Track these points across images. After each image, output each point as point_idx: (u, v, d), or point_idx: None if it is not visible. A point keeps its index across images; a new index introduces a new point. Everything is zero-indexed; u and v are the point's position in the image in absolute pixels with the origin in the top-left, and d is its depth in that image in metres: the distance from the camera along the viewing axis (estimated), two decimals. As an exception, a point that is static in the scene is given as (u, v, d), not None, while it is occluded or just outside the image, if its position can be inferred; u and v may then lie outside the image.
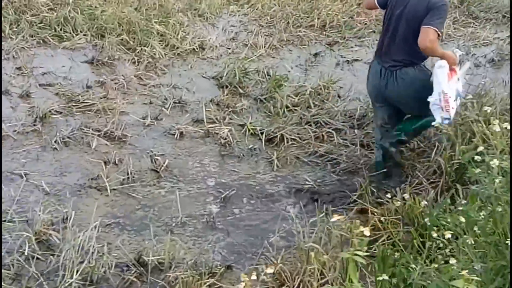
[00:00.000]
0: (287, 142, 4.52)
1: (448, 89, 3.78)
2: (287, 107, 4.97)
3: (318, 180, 4.13)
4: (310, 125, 4.77)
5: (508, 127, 2.27)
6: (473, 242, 2.16)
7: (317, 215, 3.43)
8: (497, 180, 2.28)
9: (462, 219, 2.26)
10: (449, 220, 2.62)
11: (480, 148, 2.30)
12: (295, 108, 4.99)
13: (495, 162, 2.18)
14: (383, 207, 3.62)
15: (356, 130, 4.72)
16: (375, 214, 3.59)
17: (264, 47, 6.09)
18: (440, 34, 3.73)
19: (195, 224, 3.61)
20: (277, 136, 4.57)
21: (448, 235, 2.23)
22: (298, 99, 5.10)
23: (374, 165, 4.29)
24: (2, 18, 5.80)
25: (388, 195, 3.53)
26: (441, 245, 2.61)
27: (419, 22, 3.71)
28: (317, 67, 5.89)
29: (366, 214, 3.69)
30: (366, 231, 1.99)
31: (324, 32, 6.61)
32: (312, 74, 5.72)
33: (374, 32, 6.63)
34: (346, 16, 6.91)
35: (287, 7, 6.94)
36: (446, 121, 3.87)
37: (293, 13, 6.83)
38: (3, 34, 5.61)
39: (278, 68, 5.71)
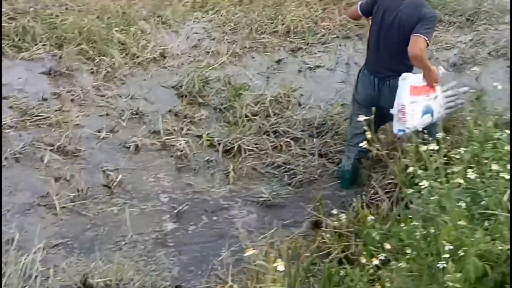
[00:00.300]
0: (245, 153, 4.48)
1: (407, 101, 3.78)
2: (246, 116, 4.93)
3: (274, 193, 4.09)
4: (269, 135, 4.73)
5: (436, 148, 2.25)
6: (405, 265, 2.14)
7: (267, 231, 3.40)
8: (432, 198, 2.26)
9: (388, 246, 2.24)
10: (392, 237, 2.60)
11: (410, 169, 2.28)
12: (255, 117, 4.94)
13: (424, 183, 2.16)
14: (337, 219, 3.59)
15: (314, 139, 4.69)
16: (328, 227, 3.57)
17: (227, 54, 6.04)
18: (429, 44, 3.76)
19: (146, 242, 3.55)
20: (234, 147, 4.52)
21: (376, 261, 2.21)
22: (258, 108, 5.06)
23: (337, 173, 4.27)
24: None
25: (335, 211, 3.48)
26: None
27: (411, 31, 3.74)
28: (279, 74, 5.85)
29: (319, 227, 3.67)
30: (280, 266, 1.95)
31: (288, 38, 6.57)
32: (274, 82, 5.67)
33: (338, 37, 6.61)
34: (311, 21, 6.86)
35: (251, 13, 6.89)
36: (401, 133, 3.88)
37: (257, 19, 6.78)
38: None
39: (239, 76, 5.67)
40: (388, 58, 3.93)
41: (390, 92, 3.91)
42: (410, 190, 2.29)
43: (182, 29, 6.63)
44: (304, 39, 6.53)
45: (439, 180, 2.32)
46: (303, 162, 4.40)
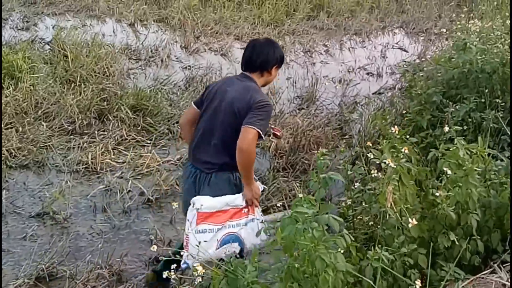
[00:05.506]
0: None
1: (191, 231, 3.24)
2: None
3: None
4: None
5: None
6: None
7: None
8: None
9: None
10: None
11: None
12: None
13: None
14: None
15: None
16: None
17: None
18: (263, 137, 3.30)
19: None
20: None
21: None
22: None
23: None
24: None
25: None
26: None
27: (238, 117, 3.31)
28: None
29: None
30: None
31: None
32: None
33: (11, 167, 5.28)
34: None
35: None
36: (184, 265, 3.24)
37: None
38: None
39: None
40: (212, 151, 3.41)
41: (210, 190, 3.36)
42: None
43: None
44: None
45: None
46: None
